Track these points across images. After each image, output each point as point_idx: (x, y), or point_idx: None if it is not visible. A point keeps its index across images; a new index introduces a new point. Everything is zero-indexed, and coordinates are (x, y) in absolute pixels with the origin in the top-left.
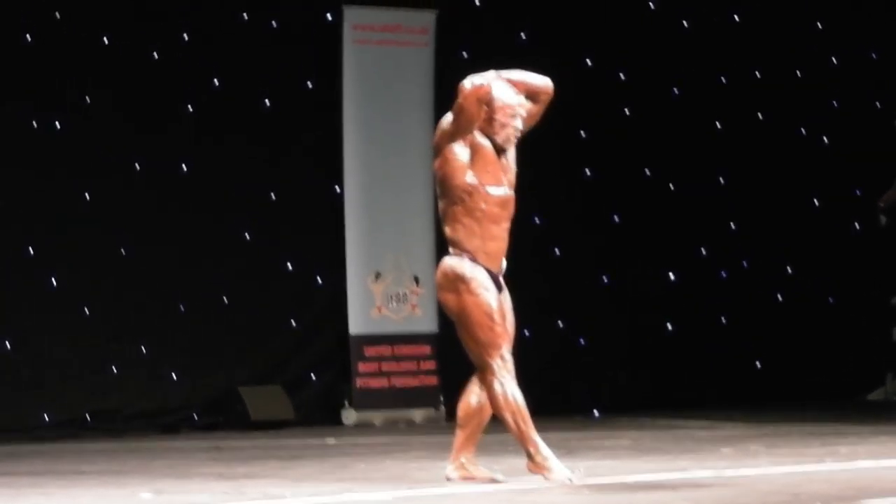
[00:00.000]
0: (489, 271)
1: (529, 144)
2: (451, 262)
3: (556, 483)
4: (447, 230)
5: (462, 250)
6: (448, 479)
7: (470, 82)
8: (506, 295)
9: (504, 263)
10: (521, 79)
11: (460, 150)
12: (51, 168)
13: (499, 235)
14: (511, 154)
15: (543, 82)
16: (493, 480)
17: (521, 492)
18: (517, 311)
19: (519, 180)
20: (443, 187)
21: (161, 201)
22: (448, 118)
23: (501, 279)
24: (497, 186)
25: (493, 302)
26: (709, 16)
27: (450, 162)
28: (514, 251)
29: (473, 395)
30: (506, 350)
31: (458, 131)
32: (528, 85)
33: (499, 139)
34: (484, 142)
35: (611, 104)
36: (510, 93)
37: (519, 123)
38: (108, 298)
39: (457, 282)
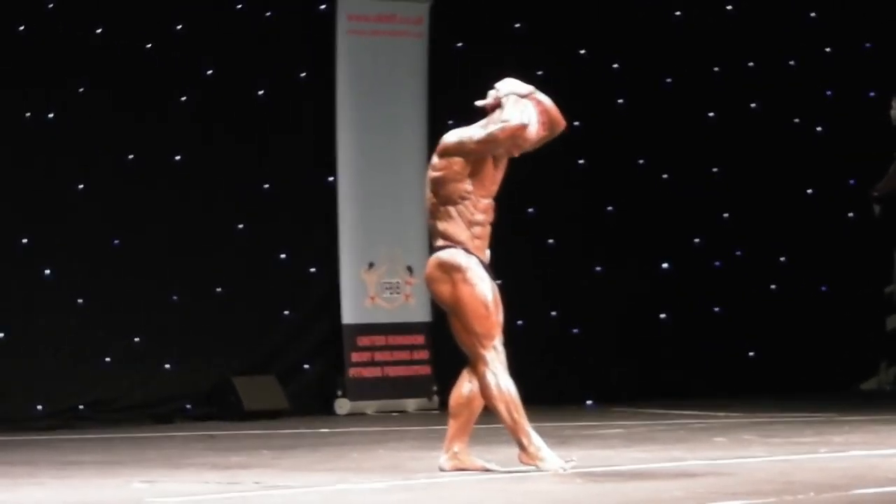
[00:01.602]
0: (481, 260)
1: None
2: (444, 254)
3: (548, 473)
4: (438, 224)
5: (454, 242)
6: (441, 470)
7: (517, 120)
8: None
9: (488, 253)
10: (548, 106)
11: (467, 164)
12: (44, 159)
13: (482, 234)
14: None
15: (560, 117)
16: (486, 470)
17: (515, 480)
18: (510, 301)
19: (510, 171)
20: (438, 187)
21: (155, 192)
22: (475, 133)
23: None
24: (486, 198)
25: (489, 293)
26: (702, 5)
27: (451, 170)
28: (508, 241)
29: (465, 384)
30: (498, 341)
31: (477, 153)
32: (552, 115)
33: (500, 151)
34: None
35: (604, 94)
36: (535, 124)
37: (517, 152)
38: (101, 289)
39: (452, 272)
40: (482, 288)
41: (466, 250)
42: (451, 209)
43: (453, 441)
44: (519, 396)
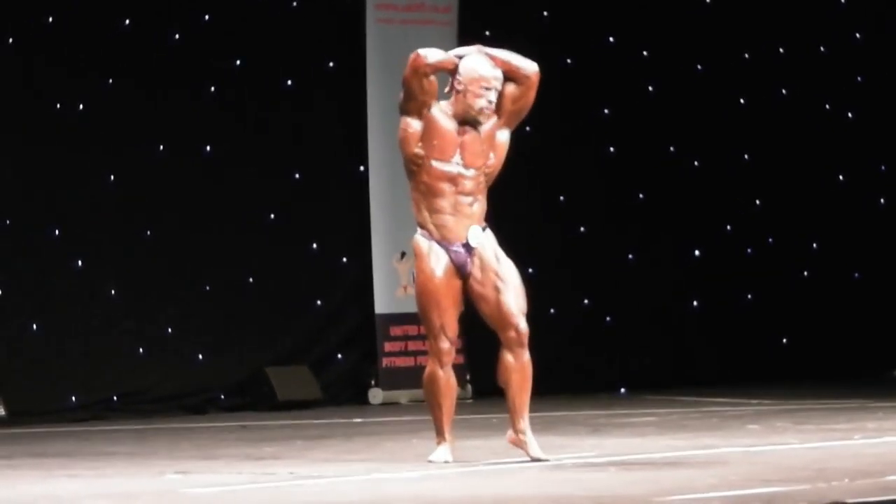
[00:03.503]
0: (447, 242)
1: (554, 121)
2: (414, 237)
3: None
4: (412, 207)
5: (418, 224)
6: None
7: (414, 53)
8: (486, 256)
9: (473, 231)
10: (501, 56)
11: (413, 121)
12: (75, 150)
13: (446, 210)
14: (489, 130)
15: (526, 63)
16: (536, 458)
17: (548, 469)
18: (541, 289)
19: (541, 159)
20: (401, 152)
21: (185, 182)
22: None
23: (473, 242)
24: (443, 161)
25: (432, 287)
26: None
27: (401, 131)
28: (539, 229)
29: (504, 358)
30: (442, 339)
31: (405, 101)
32: (509, 63)
33: (472, 111)
34: (439, 116)
35: (634, 81)
36: (486, 65)
37: (493, 96)
38: (133, 280)
39: (414, 257)
40: (424, 281)
41: (428, 236)
42: (411, 183)
43: (511, 415)
44: (450, 396)
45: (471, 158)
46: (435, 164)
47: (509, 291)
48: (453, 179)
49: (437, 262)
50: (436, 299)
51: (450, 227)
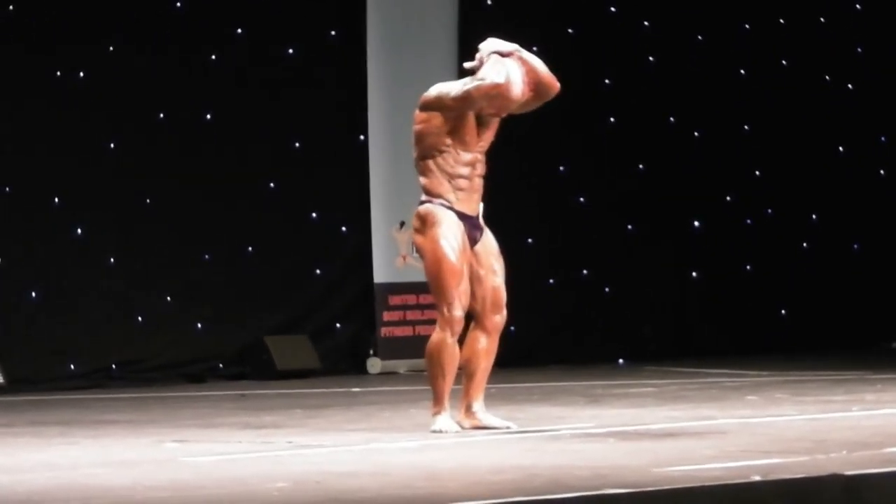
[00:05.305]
0: (463, 214)
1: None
2: (423, 207)
3: (433, 431)
4: (420, 179)
5: (434, 195)
6: (462, 428)
7: (490, 79)
8: (488, 238)
9: (481, 206)
10: (535, 66)
11: (446, 119)
12: (74, 117)
13: (466, 187)
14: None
15: (551, 79)
16: (504, 428)
17: (547, 439)
18: (541, 260)
19: (540, 129)
20: (418, 141)
21: (186, 150)
22: (453, 90)
23: (482, 221)
24: (469, 151)
25: (449, 254)
26: None
27: (431, 124)
28: (538, 200)
29: (477, 340)
30: (456, 307)
31: (453, 109)
32: (539, 75)
33: (482, 111)
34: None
35: (635, 52)
36: (518, 84)
37: (503, 112)
38: (133, 248)
39: (425, 225)
40: (442, 247)
41: (446, 204)
42: (431, 163)
43: (470, 398)
44: (456, 365)
45: (485, 144)
46: (462, 153)
47: (503, 279)
48: (474, 164)
49: (458, 230)
50: (456, 268)
51: (470, 199)
